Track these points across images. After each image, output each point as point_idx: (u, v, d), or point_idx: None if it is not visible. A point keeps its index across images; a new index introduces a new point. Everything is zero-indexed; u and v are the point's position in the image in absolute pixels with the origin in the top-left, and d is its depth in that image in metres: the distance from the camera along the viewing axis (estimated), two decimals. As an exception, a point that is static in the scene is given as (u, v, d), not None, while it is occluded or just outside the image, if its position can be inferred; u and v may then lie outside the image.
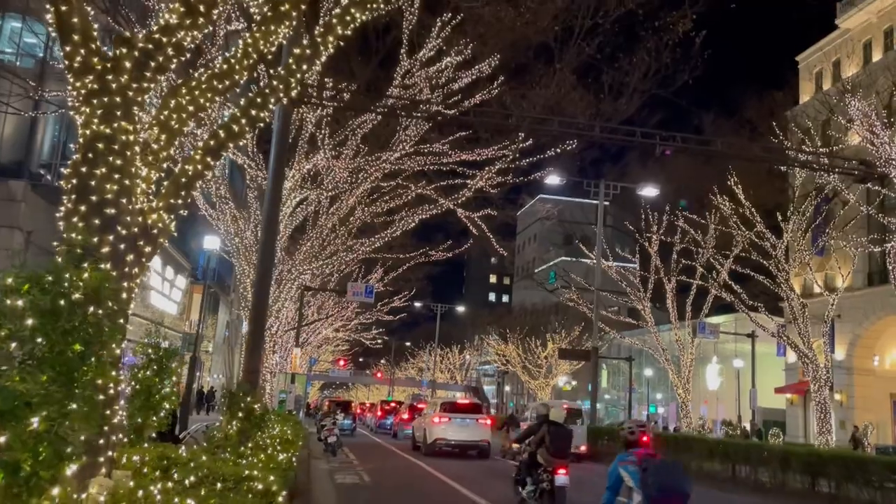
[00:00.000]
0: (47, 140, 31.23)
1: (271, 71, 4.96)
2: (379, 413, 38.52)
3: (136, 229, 4.49)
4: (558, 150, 14.32)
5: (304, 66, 4.94)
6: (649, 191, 26.19)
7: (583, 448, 19.15)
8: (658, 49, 13.62)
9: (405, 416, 29.00)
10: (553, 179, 24.25)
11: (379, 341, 52.03)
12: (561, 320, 56.31)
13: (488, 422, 22.48)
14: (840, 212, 26.37)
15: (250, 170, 17.29)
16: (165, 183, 4.85)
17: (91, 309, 3.30)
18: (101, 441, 4.20)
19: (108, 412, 4.23)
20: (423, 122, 15.47)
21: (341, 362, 65.86)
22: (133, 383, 6.39)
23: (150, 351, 6.40)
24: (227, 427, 6.01)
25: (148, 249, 4.61)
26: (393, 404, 37.31)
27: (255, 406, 6.20)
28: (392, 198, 19.81)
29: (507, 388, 77.49)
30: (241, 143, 19.45)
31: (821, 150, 21.90)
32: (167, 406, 6.42)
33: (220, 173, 18.69)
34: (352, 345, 57.79)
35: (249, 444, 6.20)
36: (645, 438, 5.40)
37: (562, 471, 9.72)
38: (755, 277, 27.41)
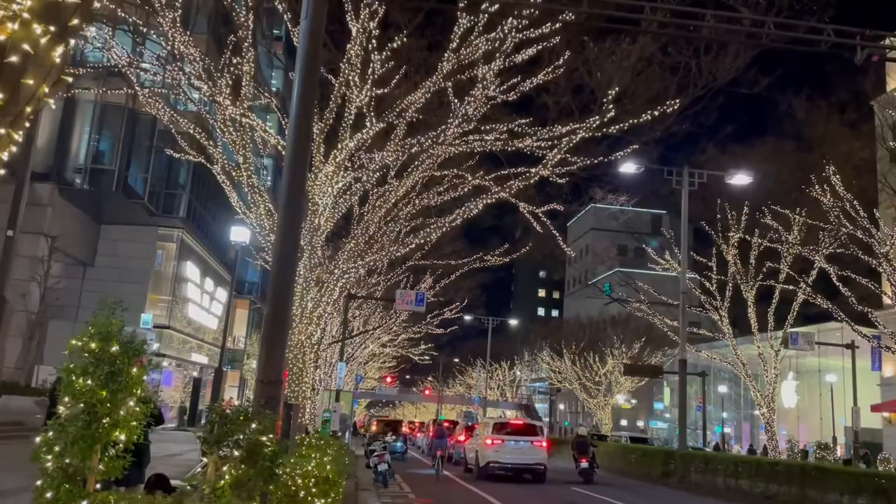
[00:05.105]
0: (83, 144, 29.76)
1: None
2: (431, 433, 35.75)
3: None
4: (656, 112, 11.56)
5: None
6: (740, 178, 23.06)
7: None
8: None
9: (461, 438, 26.29)
10: (629, 168, 21.35)
11: (427, 357, 49.54)
12: (619, 334, 52.97)
13: (544, 444, 20.83)
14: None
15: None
16: None
17: None
18: None
19: None
20: (489, 84, 12.89)
21: (388, 379, 63.47)
22: (67, 399, 3.89)
23: (93, 346, 3.87)
24: (213, 476, 3.43)
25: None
26: (446, 424, 34.48)
27: (265, 439, 3.59)
28: (447, 189, 17.30)
29: (562, 407, 73.97)
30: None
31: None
32: (122, 437, 3.88)
33: (255, 162, 16.43)
34: (399, 361, 55.38)
35: (256, 502, 3.59)
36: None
37: (583, 461, 21.21)
38: (853, 280, 24.15)
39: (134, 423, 3.89)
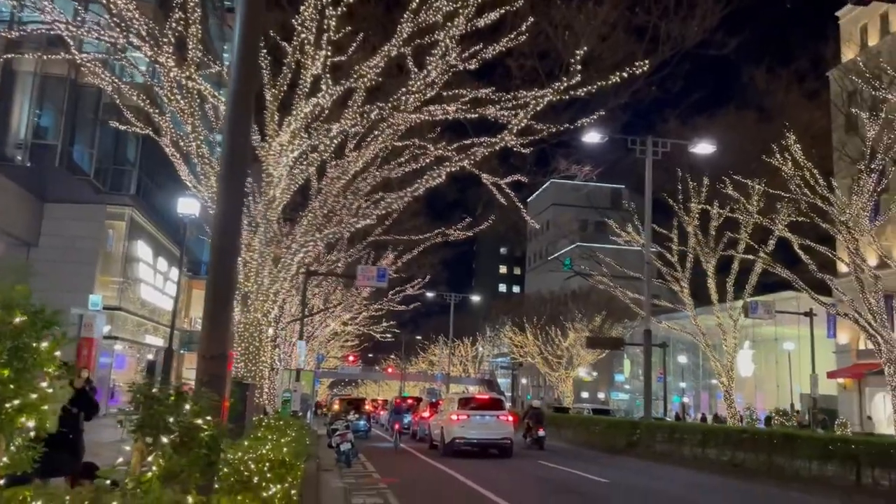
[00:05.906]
0: (23, 118, 28.18)
1: None
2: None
3: None
4: (625, 75, 11.15)
5: None
6: (703, 147, 22.93)
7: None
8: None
9: (425, 415, 25.95)
10: (593, 137, 21.02)
11: (389, 335, 49.10)
12: (580, 308, 53.21)
13: (510, 418, 20.68)
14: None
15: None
16: None
17: None
18: None
19: None
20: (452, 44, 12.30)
21: (350, 358, 62.86)
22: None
23: (-9, 319, 3.25)
24: (138, 466, 2.86)
25: None
26: (410, 401, 34.14)
27: (201, 422, 3.02)
28: (409, 160, 16.70)
29: (525, 381, 74.40)
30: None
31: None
32: (30, 424, 3.28)
33: (204, 133, 15.55)
34: (361, 340, 54.81)
35: (193, 492, 3.04)
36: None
37: (540, 430, 23.11)
38: (812, 249, 24.34)
39: (45, 408, 3.30)
